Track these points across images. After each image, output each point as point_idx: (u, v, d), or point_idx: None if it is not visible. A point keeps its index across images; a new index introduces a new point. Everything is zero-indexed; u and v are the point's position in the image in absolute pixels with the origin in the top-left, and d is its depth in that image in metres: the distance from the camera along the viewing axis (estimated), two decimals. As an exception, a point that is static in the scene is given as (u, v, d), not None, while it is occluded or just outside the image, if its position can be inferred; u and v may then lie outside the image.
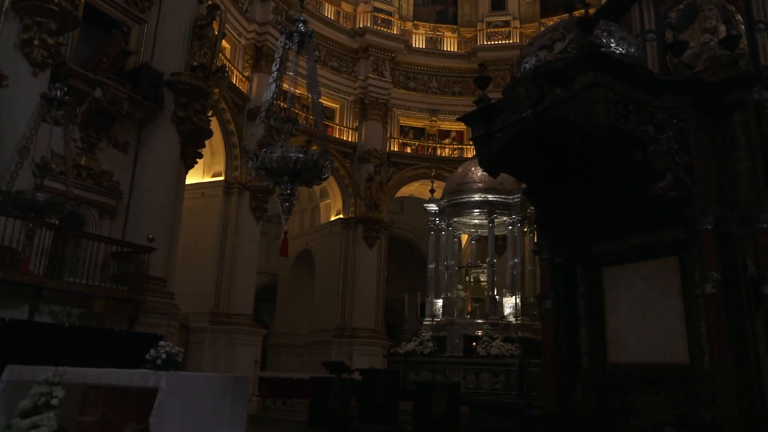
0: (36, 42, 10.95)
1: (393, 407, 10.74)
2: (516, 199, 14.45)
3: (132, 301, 12.04)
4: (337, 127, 23.53)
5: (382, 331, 22.72)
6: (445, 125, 24.92)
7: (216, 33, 14.93)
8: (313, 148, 6.10)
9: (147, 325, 12.61)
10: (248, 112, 19.98)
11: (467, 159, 24.01)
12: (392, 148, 23.94)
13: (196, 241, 18.24)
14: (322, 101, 24.89)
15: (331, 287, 22.56)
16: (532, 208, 14.85)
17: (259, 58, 20.47)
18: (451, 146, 24.83)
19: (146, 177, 13.36)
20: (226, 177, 19.48)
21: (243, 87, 20.10)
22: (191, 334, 18.08)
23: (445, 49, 25.25)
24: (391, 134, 24.07)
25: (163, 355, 5.70)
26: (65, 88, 8.35)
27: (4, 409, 6.61)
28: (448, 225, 15.05)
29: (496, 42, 24.60)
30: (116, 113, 12.74)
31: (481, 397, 10.96)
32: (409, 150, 24.43)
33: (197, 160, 15.84)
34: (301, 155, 5.69)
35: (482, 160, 4.38)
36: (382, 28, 24.06)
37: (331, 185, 23.39)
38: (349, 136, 23.51)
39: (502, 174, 15.83)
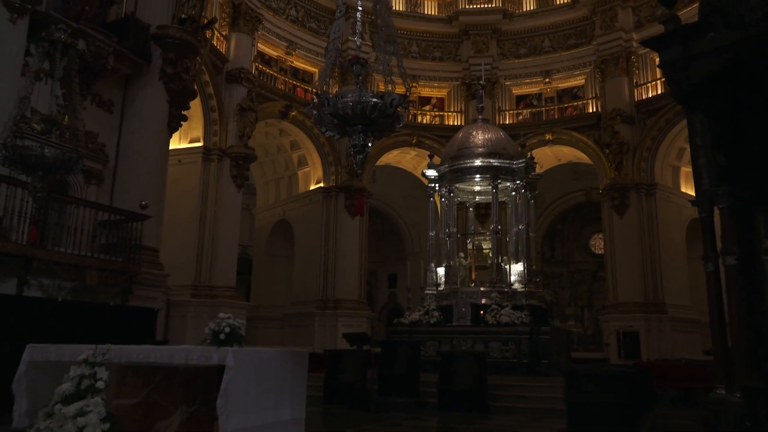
0: (13, -17, 9.77)
1: (414, 379, 10.30)
2: (520, 164, 14.09)
3: (126, 273, 11.17)
4: (315, 91, 22.55)
5: (364, 302, 22.27)
6: (426, 92, 24.28)
7: (202, -17, 13.86)
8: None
9: (141, 299, 11.80)
10: (227, 74, 18.92)
11: (448, 126, 23.72)
12: (373, 115, 23.16)
13: (174, 211, 17.19)
14: (301, 63, 23.97)
15: (312, 258, 21.88)
16: (534, 173, 14.53)
17: (237, 16, 19.29)
18: (432, 113, 24.25)
19: (134, 139, 12.36)
20: (204, 143, 18.45)
21: (221, 47, 18.94)
22: (173, 308, 17.19)
23: (425, 12, 24.48)
24: (371, 100, 23.26)
25: (227, 329, 5.06)
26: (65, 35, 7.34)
27: (25, 393, 5.84)
28: (449, 191, 14.58)
29: (478, 6, 23.97)
30: (101, 68, 11.67)
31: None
32: (388, 116, 23.70)
33: (181, 123, 14.80)
34: (379, 101, 5.06)
35: (676, 90, 3.82)
36: (360, -12, 23.08)
37: (310, 153, 22.57)
38: (328, 102, 22.60)
39: (503, 138, 15.36)
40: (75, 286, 10.54)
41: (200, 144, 18.40)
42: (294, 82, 22.10)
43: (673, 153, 21.03)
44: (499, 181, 14.04)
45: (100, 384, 4.98)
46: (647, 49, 20.91)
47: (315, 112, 5.25)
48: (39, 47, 7.37)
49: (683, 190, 21.45)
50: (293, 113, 21.14)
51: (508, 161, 14.11)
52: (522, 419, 9.14)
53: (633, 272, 19.93)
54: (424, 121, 23.91)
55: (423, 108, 24.31)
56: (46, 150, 6.63)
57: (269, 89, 20.60)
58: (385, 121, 5.26)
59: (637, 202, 20.31)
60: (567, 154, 23.47)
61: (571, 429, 4.93)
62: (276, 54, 21.81)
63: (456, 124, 23.58)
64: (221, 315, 5.17)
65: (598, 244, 32.46)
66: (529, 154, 14.42)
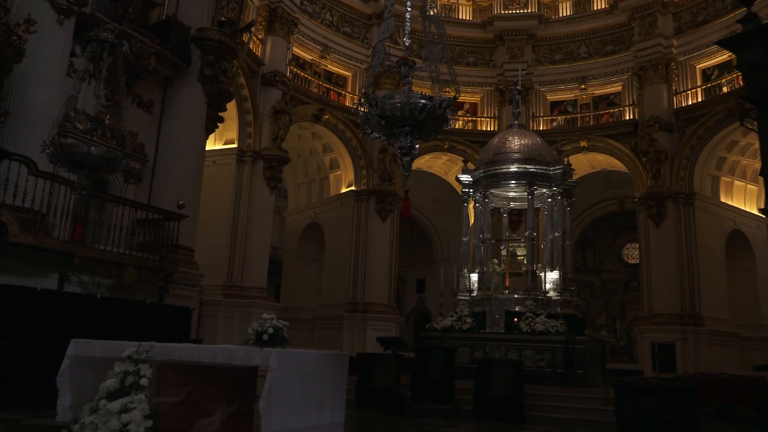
0: (59, -15, 9.98)
1: (449, 386, 10.18)
2: (557, 171, 13.87)
3: (163, 271, 11.27)
4: (349, 95, 22.64)
5: (394, 306, 22.18)
6: (459, 97, 24.08)
7: (242, -13, 14.00)
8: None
9: (176, 297, 11.89)
10: (262, 77, 19.06)
11: (480, 132, 23.55)
12: (405, 119, 23.09)
13: (208, 211, 17.35)
14: (334, 67, 24.10)
15: (342, 261, 21.88)
16: (571, 179, 14.32)
17: (273, 20, 19.42)
18: (464, 118, 24.11)
19: (172, 139, 12.50)
20: (239, 145, 18.59)
21: (257, 50, 19.09)
22: (204, 307, 17.32)
23: (460, 17, 24.38)
24: (404, 104, 23.20)
25: (270, 330, 5.02)
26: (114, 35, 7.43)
27: (69, 387, 5.88)
28: (484, 196, 14.42)
29: (513, 11, 23.80)
30: (142, 69, 11.82)
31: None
32: (421, 121, 23.60)
33: (218, 124, 14.93)
34: (428, 102, 5.00)
35: (753, 91, 3.69)
36: (395, -6, 23.07)
37: (342, 156, 22.60)
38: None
39: (540, 144, 15.22)
40: (113, 284, 10.66)
41: (234, 146, 18.55)
42: (327, 86, 22.18)
43: (713, 162, 20.55)
44: (535, 187, 13.84)
45: (144, 381, 5.00)
46: (687, 56, 20.57)
47: (361, 112, 5.21)
48: (87, 47, 7.45)
49: (723, 200, 20.95)
50: (326, 116, 21.19)
51: (544, 167, 13.91)
52: (557, 430, 8.96)
53: (669, 283, 19.51)
54: (457, 127, 23.76)
55: (456, 113, 24.16)
56: (92, 148, 6.70)
57: (303, 92, 20.69)
58: (433, 124, 5.20)
59: (675, 211, 19.89)
60: (601, 161, 23.12)
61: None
62: (310, 58, 21.92)
63: (489, 129, 23.43)
64: (264, 316, 5.13)
65: (631, 254, 31.91)
66: (566, 160, 14.15)
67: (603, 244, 31.91)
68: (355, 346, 20.25)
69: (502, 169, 14.15)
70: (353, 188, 22.24)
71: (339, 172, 23.07)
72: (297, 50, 21.17)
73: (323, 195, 23.78)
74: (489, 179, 14.36)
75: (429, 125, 5.19)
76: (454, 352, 10.75)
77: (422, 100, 5.02)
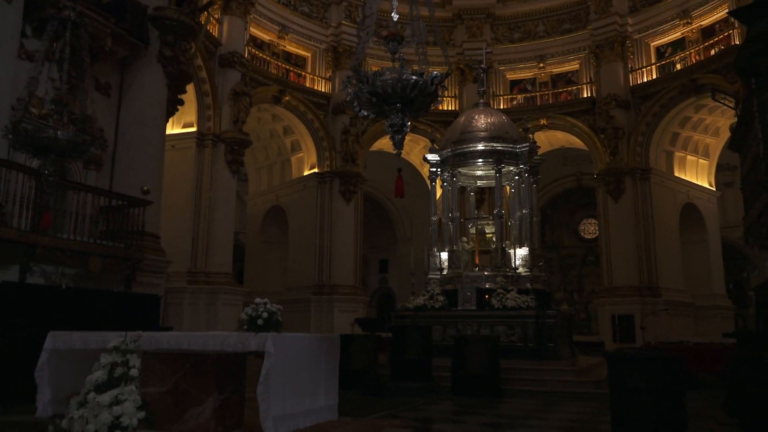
0: (10, -39, 9.43)
1: (426, 364, 10.24)
2: (524, 148, 14.00)
3: (129, 259, 10.93)
4: (309, 76, 22.30)
5: (360, 287, 22.18)
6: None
7: (199, -37, 13.52)
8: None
9: (143, 286, 11.58)
10: (220, 58, 18.57)
11: (442, 111, 23.55)
12: (366, 100, 22.90)
13: (169, 197, 16.86)
14: (293, 48, 23.65)
15: (307, 243, 21.71)
16: (537, 156, 14.51)
17: (209, 2, 18.82)
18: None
19: (133, 123, 12.08)
20: (198, 128, 18.13)
21: (213, 31, 18.55)
22: (169, 295, 16.86)
23: (418, -5, 24.18)
24: (364, 85, 22.99)
25: (264, 314, 4.91)
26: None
27: (48, 383, 5.66)
28: (452, 175, 14.46)
29: (472, -10, 23.74)
30: (98, 50, 11.32)
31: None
32: (382, 101, 23.43)
33: (177, 107, 14.50)
34: (420, 79, 4.92)
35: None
36: (351, -28, 22.75)
37: (304, 138, 22.31)
38: (321, 86, 22.35)
39: (506, 122, 15.26)
40: (77, 273, 10.29)
41: (194, 129, 18.08)
42: (287, 67, 21.78)
43: (667, 138, 21.12)
44: (502, 165, 13.95)
45: (133, 372, 4.82)
46: (642, 34, 20.98)
47: (350, 90, 5.09)
48: (49, 27, 7.05)
49: (677, 174, 21.59)
50: (287, 98, 20.84)
51: (511, 145, 14.02)
52: (536, 403, 9.13)
53: (628, 256, 20.07)
54: (418, 106, 23.66)
55: (445, 89, 24.04)
56: (59, 132, 6.37)
57: (262, 74, 20.26)
58: (423, 100, 5.14)
59: (632, 186, 20.42)
60: (560, 139, 23.48)
61: (615, 414, 4.88)
62: (268, 38, 21.46)
63: (450, 109, 23.46)
64: (257, 300, 5.02)
65: (587, 229, 32.73)
66: (531, 137, 14.29)
67: (561, 221, 32.62)
68: (323, 328, 20.21)
69: (469, 147, 14.20)
70: (316, 170, 22.02)
71: (301, 154, 22.78)
72: (254, 30, 20.68)
73: (285, 178, 23.48)
74: (457, 158, 14.40)
75: (419, 102, 5.13)
76: (430, 331, 10.79)
77: (413, 77, 4.95)
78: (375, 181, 28.15)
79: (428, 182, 26.76)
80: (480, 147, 14.12)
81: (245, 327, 4.99)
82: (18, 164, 9.12)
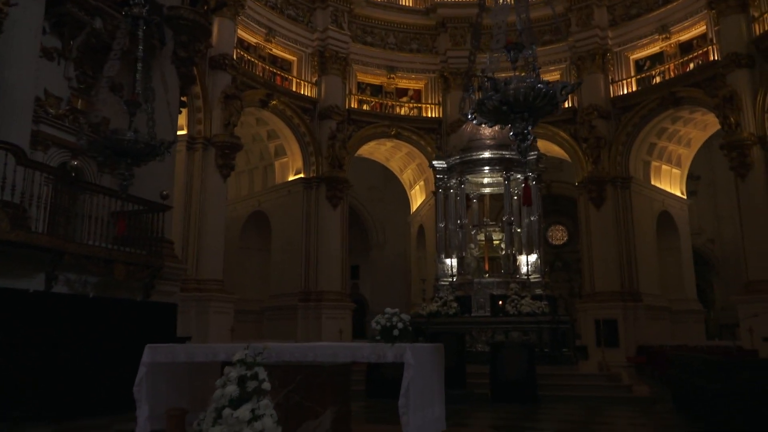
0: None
1: (461, 371, 10.24)
2: (532, 156, 14.20)
3: (150, 266, 10.50)
4: (295, 80, 22.04)
5: (347, 294, 21.98)
6: (403, 83, 24.15)
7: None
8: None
9: (160, 294, 11.15)
10: (210, 60, 18.11)
11: (426, 118, 23.71)
12: (352, 105, 22.84)
13: (160, 202, 16.36)
14: (279, 51, 23.50)
15: (292, 249, 21.36)
16: (544, 165, 14.76)
17: (220, 2, 18.42)
18: (409, 105, 24.15)
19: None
20: (188, 131, 17.64)
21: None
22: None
23: (402, 3, 24.32)
24: (350, 90, 22.92)
25: (400, 324, 4.79)
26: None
27: (146, 397, 5.37)
28: (460, 183, 14.57)
29: (456, -1, 24.04)
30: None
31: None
32: (366, 107, 23.43)
33: (181, 109, 14.07)
34: (550, 88, 4.94)
35: None
36: (338, -24, 22.64)
37: (290, 142, 22.00)
38: (308, 91, 22.10)
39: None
40: (99, 281, 9.82)
41: (184, 132, 17.55)
42: (274, 70, 21.45)
43: (645, 148, 21.90)
44: (511, 173, 14.14)
45: (266, 385, 4.65)
46: (622, 47, 21.72)
47: (475, 97, 5.06)
48: (122, 25, 6.72)
49: (653, 183, 22.40)
50: (274, 102, 20.51)
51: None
52: (576, 409, 9.27)
53: (609, 262, 20.65)
54: (402, 113, 23.78)
55: (400, 99, 24.17)
56: (137, 135, 6.08)
57: (250, 77, 19.89)
58: (544, 108, 5.16)
59: (613, 194, 21.05)
60: (539, 147, 23.91)
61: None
62: (255, 41, 21.09)
63: (434, 116, 23.62)
64: (388, 310, 4.91)
65: (555, 236, 33.56)
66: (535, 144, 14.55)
67: (530, 227, 33.19)
68: (310, 336, 19.90)
69: (477, 155, 14.34)
70: (302, 175, 21.73)
71: (285, 159, 22.45)
72: (242, 33, 20.29)
73: (268, 183, 23.07)
74: (464, 165, 14.53)
75: (541, 110, 5.15)
76: (464, 338, 10.81)
77: (540, 85, 4.97)
78: (352, 189, 28.03)
79: (406, 189, 27.05)
80: (488, 155, 14.29)
81: (378, 338, 4.86)
82: (47, 166, 8.65)
